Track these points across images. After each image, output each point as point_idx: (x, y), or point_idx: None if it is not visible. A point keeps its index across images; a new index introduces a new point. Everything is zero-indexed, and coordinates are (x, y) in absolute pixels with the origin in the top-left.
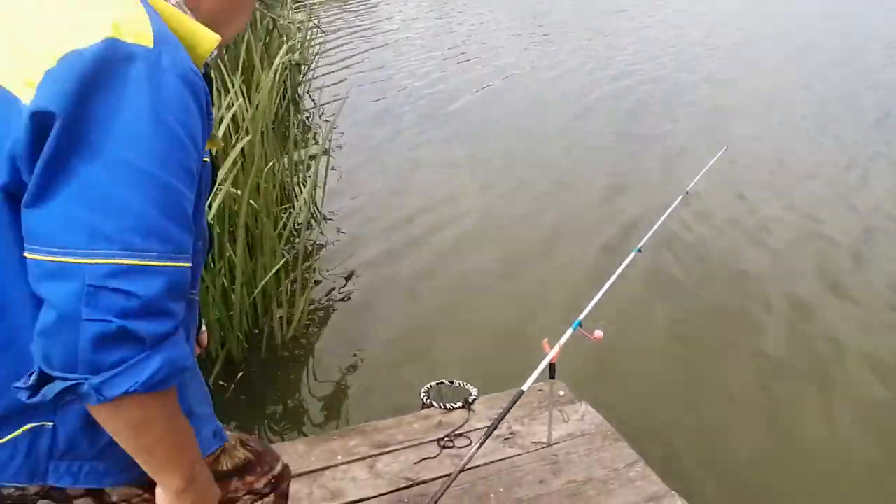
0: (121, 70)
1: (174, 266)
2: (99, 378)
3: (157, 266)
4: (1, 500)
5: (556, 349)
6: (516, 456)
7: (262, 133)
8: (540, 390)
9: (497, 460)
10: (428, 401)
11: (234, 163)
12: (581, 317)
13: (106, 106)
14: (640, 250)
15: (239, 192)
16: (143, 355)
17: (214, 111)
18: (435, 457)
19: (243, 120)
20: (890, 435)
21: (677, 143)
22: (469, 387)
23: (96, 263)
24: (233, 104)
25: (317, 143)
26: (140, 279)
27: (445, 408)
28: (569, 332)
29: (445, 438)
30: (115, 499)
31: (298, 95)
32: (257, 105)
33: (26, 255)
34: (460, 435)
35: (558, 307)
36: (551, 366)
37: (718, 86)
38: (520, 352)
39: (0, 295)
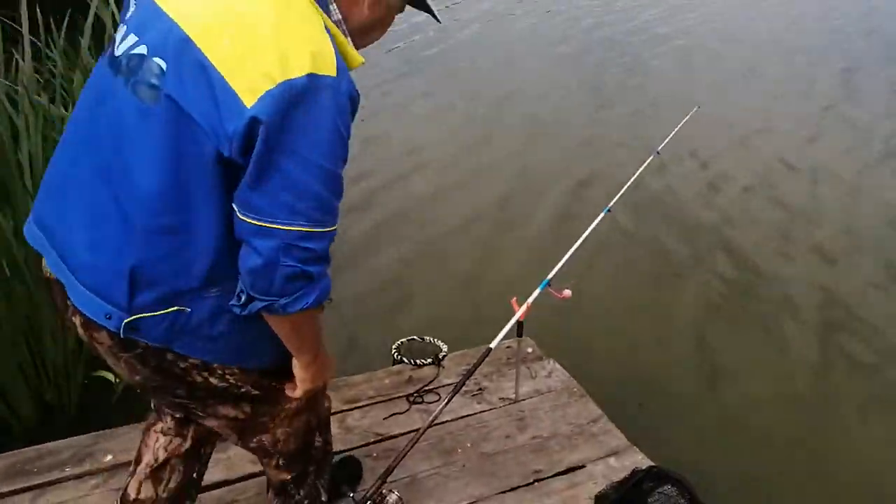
0: (316, 97)
1: (334, 229)
2: (285, 300)
3: (327, 231)
4: (145, 349)
5: (524, 307)
6: (484, 412)
7: None
8: (508, 347)
9: (465, 416)
10: (398, 357)
11: None
12: (550, 276)
13: (303, 122)
14: (609, 210)
15: None
16: (312, 286)
17: None
18: (404, 412)
19: None
20: None
21: (647, 99)
22: (439, 343)
23: (292, 230)
24: None
25: None
26: (317, 240)
27: (416, 364)
28: (537, 290)
29: (415, 394)
30: (215, 365)
31: None
32: None
33: (241, 217)
34: (430, 391)
35: (524, 265)
36: (519, 324)
37: (693, 40)
38: (489, 308)
39: (193, 221)
